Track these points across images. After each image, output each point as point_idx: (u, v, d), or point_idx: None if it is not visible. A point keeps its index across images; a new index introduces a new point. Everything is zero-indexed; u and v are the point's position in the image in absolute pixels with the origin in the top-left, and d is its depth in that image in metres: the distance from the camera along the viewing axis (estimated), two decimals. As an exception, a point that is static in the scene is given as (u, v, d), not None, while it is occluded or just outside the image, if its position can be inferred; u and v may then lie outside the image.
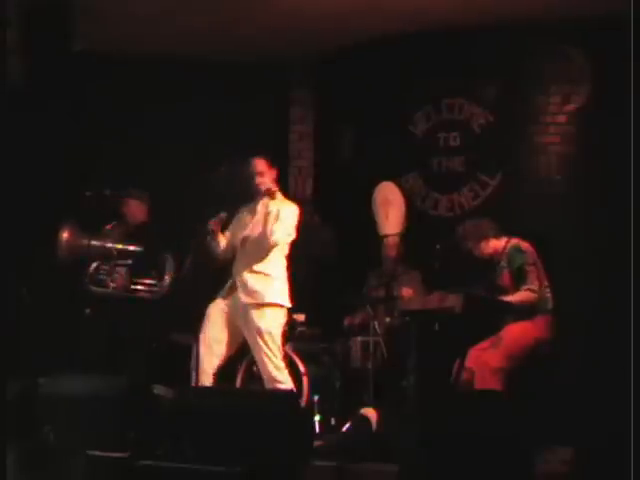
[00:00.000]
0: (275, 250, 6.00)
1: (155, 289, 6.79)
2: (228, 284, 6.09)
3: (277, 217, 5.92)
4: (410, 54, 7.65)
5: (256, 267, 5.98)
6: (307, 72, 8.49)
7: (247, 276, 5.97)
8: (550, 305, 6.16)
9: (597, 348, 6.72)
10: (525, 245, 6.23)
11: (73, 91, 7.42)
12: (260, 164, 6.06)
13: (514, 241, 6.26)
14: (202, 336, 5.99)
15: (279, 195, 6.07)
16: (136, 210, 7.08)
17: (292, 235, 6.03)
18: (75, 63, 7.21)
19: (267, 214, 5.95)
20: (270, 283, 5.98)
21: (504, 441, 4.40)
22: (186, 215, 6.44)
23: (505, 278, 6.19)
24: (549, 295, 6.17)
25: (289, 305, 6.07)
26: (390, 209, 7.47)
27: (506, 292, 6.12)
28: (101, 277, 6.81)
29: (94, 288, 6.78)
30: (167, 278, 6.75)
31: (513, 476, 4.35)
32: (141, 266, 6.82)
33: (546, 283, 6.18)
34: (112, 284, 6.77)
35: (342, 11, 7.16)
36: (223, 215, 6.08)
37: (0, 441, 4.55)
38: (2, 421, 4.67)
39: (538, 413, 4.80)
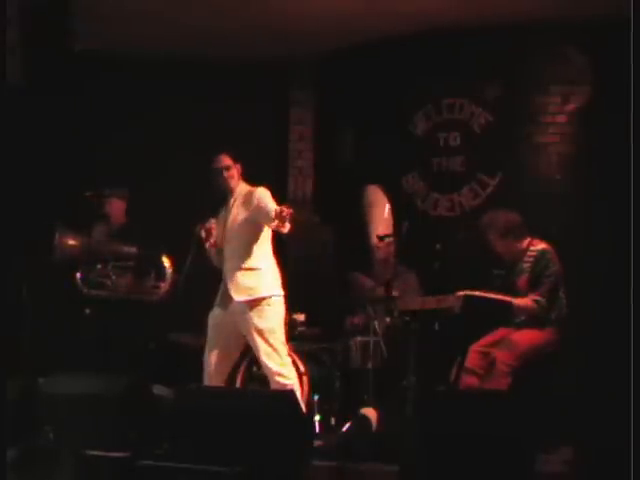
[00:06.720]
0: (259, 241, 5.87)
1: (156, 291, 6.77)
2: (220, 290, 5.96)
3: (259, 201, 5.77)
4: (410, 54, 7.64)
5: (244, 264, 5.84)
6: (307, 73, 8.49)
7: (237, 274, 5.83)
8: (564, 314, 6.04)
9: (597, 348, 6.72)
10: (553, 255, 6.05)
11: (73, 91, 7.42)
12: (225, 159, 5.94)
13: (542, 245, 6.09)
14: (208, 354, 5.88)
15: (244, 185, 5.96)
16: (118, 209, 7.05)
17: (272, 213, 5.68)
18: (75, 63, 7.22)
19: (243, 204, 5.85)
20: (261, 277, 5.84)
21: (504, 441, 4.40)
22: (185, 216, 6.42)
23: (523, 281, 6.05)
24: (564, 305, 6.04)
25: (283, 293, 5.92)
26: (376, 212, 7.44)
27: (519, 295, 5.99)
28: (98, 279, 6.80)
29: (91, 291, 6.77)
30: (167, 279, 6.73)
31: (513, 476, 4.36)
32: (140, 268, 6.81)
33: (562, 294, 6.05)
34: (111, 286, 6.77)
35: (342, 12, 7.16)
36: (213, 221, 5.93)
37: (0, 441, 4.55)
38: (2, 421, 4.66)
39: (538, 413, 4.79)
